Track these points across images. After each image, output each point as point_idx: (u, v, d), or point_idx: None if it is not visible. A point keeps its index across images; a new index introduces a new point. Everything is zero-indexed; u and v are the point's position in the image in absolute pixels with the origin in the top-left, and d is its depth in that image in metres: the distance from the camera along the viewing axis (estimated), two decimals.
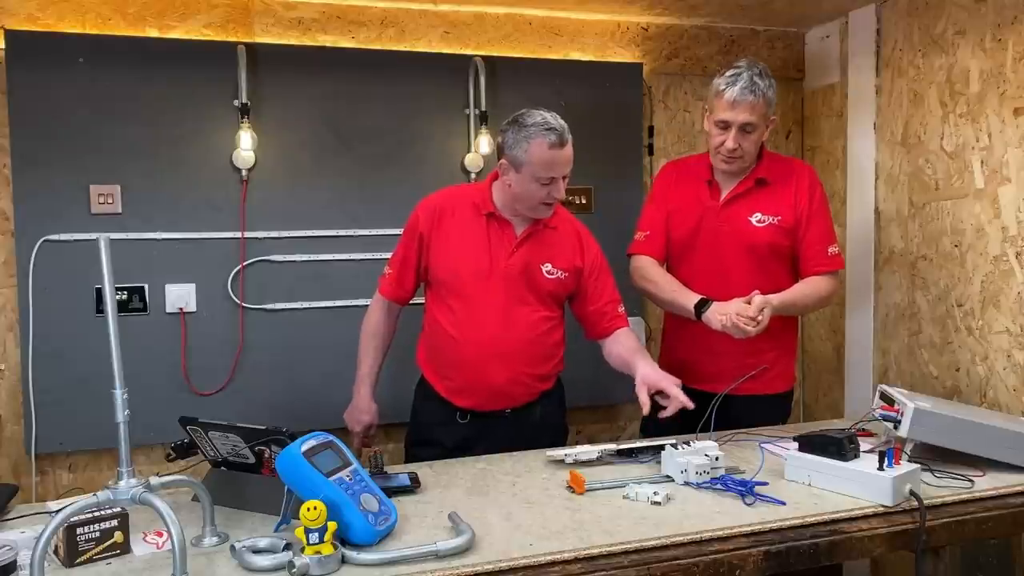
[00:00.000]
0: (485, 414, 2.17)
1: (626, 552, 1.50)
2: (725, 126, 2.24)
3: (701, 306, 2.23)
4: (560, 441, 2.27)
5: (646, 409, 2.03)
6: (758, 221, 2.32)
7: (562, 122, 2.05)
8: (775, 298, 2.19)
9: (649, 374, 2.08)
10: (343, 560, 1.42)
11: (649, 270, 2.38)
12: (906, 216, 2.78)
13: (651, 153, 3.12)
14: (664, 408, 2.04)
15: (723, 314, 2.16)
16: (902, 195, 2.79)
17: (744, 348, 2.18)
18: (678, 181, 2.45)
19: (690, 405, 2.02)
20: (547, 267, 2.17)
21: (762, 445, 2.09)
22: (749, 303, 2.15)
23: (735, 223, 2.33)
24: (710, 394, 2.12)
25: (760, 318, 2.12)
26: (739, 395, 2.22)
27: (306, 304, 2.71)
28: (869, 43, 2.90)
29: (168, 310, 2.59)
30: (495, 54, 2.89)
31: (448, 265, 2.14)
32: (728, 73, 2.24)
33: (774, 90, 2.25)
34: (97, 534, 1.47)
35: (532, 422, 2.19)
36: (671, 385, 2.04)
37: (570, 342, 2.29)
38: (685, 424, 2.11)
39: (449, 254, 2.14)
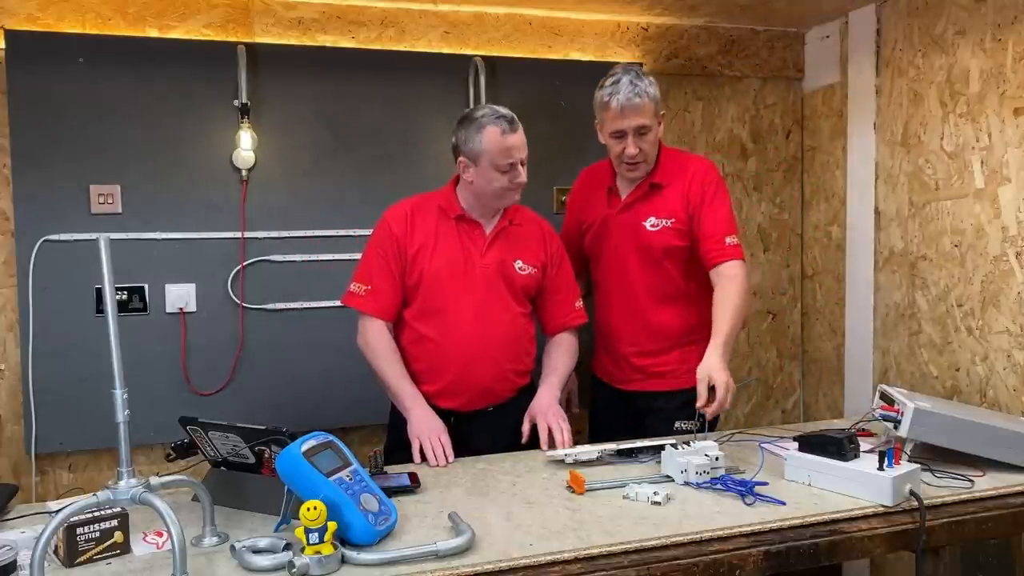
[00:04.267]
0: (468, 414, 2.18)
1: (626, 552, 1.50)
2: (621, 135, 2.24)
3: None
4: (537, 435, 2.26)
5: (523, 439, 2.14)
6: (652, 225, 2.32)
7: (509, 111, 2.13)
8: (720, 341, 2.08)
9: (533, 406, 2.17)
10: (343, 560, 1.42)
11: None
12: (906, 216, 2.78)
13: None
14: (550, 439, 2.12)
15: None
16: (902, 195, 2.79)
17: (647, 349, 2.36)
18: (585, 189, 2.50)
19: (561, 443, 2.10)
20: (519, 263, 2.21)
21: (762, 445, 2.09)
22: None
23: (630, 228, 2.34)
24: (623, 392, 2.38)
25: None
26: (643, 391, 2.35)
27: (306, 304, 2.70)
28: (869, 43, 2.90)
29: (168, 310, 2.59)
30: (495, 54, 2.89)
31: (426, 270, 2.15)
32: (608, 83, 2.23)
33: (655, 86, 2.25)
34: (97, 534, 1.47)
35: (511, 418, 2.21)
36: (542, 420, 2.13)
37: None
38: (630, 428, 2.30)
39: (425, 259, 2.15)
